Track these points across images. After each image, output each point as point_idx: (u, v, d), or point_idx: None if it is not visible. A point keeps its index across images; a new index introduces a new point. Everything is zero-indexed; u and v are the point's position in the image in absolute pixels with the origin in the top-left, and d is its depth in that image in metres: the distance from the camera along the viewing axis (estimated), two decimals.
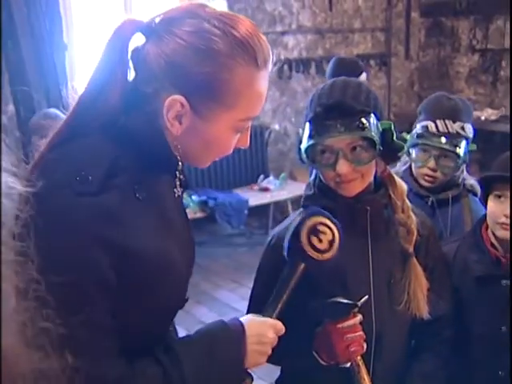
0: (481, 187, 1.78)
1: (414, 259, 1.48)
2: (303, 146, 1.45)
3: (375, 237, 1.48)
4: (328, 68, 3.64)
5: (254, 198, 5.20)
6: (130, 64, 1.11)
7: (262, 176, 5.57)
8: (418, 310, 1.46)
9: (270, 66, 1.13)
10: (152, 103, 1.08)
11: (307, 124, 1.45)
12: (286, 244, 1.30)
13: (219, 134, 1.12)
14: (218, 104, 1.08)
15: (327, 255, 1.27)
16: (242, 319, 1.21)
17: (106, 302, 1.01)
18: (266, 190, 5.37)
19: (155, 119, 1.08)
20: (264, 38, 1.11)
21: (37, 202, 1.01)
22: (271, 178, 5.55)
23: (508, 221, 1.59)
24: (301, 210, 1.53)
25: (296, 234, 1.28)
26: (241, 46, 1.06)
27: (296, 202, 5.62)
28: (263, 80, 1.11)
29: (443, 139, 1.96)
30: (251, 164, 5.60)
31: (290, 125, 5.96)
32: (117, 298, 1.03)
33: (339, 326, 1.35)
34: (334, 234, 1.29)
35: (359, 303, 1.35)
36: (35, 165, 1.08)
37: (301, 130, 1.49)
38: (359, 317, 1.37)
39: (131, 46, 1.10)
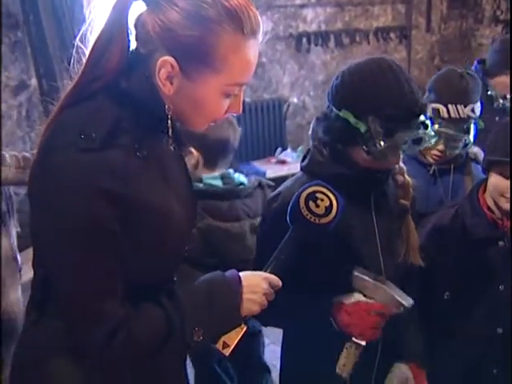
0: (483, 166, 1.81)
1: (410, 214, 1.58)
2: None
3: (376, 198, 1.61)
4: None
5: (272, 171, 5.28)
6: (133, 30, 1.19)
7: (279, 149, 5.64)
8: (414, 259, 1.59)
9: (260, 37, 1.19)
10: (148, 64, 1.17)
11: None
12: (288, 210, 1.39)
13: (207, 97, 1.19)
14: (205, 67, 1.15)
15: (324, 220, 1.35)
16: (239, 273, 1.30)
17: (111, 249, 1.12)
18: (283, 162, 5.44)
19: (151, 80, 1.17)
20: (254, 9, 1.17)
21: (42, 160, 1.13)
22: (289, 150, 5.61)
23: None
24: (300, 175, 1.62)
25: (296, 198, 1.37)
26: (228, 13, 1.13)
27: None
28: (250, 49, 1.18)
29: (454, 125, 1.99)
30: (269, 137, 5.67)
31: (308, 98, 6.00)
32: (121, 246, 1.13)
33: (376, 308, 1.47)
34: (331, 202, 1.37)
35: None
36: (47, 126, 1.19)
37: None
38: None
39: (134, 14, 1.20)
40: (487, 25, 6.53)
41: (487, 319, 1.72)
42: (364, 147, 1.48)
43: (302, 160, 1.65)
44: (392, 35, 6.45)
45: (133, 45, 1.21)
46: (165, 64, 1.14)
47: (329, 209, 1.36)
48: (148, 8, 1.17)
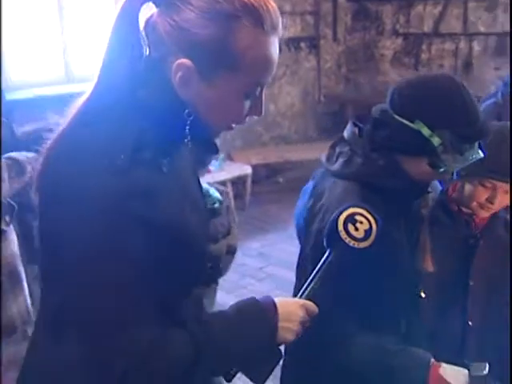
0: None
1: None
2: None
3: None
4: None
5: None
6: (144, 35, 1.11)
7: None
8: (427, 265, 1.65)
9: (280, 32, 1.12)
10: (163, 69, 1.09)
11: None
12: (325, 232, 1.34)
13: (226, 98, 1.12)
14: (223, 66, 1.08)
15: (363, 244, 1.29)
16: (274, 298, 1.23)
17: (144, 275, 1.06)
18: (207, 171, 5.44)
19: (169, 85, 1.09)
20: (273, 3, 1.10)
21: (70, 185, 1.05)
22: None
23: (492, 206, 1.73)
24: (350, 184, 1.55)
25: (334, 221, 1.32)
26: (246, 8, 1.06)
27: (235, 182, 5.75)
28: (271, 45, 1.10)
29: None
30: None
31: None
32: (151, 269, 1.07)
33: None
34: (371, 225, 1.30)
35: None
36: (55, 142, 1.11)
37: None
38: None
39: (143, 17, 1.12)
40: (388, 37, 6.92)
41: (456, 311, 1.80)
42: (430, 161, 1.49)
43: (344, 165, 1.56)
44: (302, 45, 6.66)
45: (145, 50, 1.12)
46: (180, 67, 1.07)
47: (368, 232, 1.30)
48: (159, 9, 1.09)
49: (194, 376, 1.10)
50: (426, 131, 1.46)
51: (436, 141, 1.45)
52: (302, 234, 1.66)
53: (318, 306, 1.26)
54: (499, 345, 1.73)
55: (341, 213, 1.32)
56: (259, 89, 1.15)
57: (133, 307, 1.05)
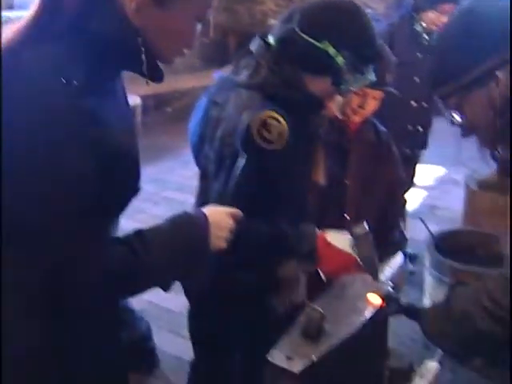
0: None
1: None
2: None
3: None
4: None
5: None
6: None
7: None
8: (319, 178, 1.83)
9: None
10: None
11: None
12: (238, 137, 1.41)
13: (180, 23, 1.16)
14: None
15: (277, 145, 1.39)
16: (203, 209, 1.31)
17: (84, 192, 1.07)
18: None
19: (122, 13, 1.11)
20: None
21: (17, 101, 1.03)
22: None
23: (363, 111, 2.00)
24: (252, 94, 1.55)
25: (247, 125, 1.38)
26: None
27: None
28: None
29: None
30: None
31: None
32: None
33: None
34: (283, 127, 1.40)
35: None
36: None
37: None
38: None
39: None
40: None
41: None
42: (333, 79, 1.57)
43: (250, 77, 1.57)
44: None
45: None
46: None
47: (281, 134, 1.39)
48: None
49: (136, 286, 1.19)
50: (332, 51, 1.53)
51: (340, 60, 1.54)
52: (198, 151, 1.72)
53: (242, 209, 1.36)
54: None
55: (254, 117, 1.40)
56: (209, 11, 1.20)
57: (71, 220, 1.06)
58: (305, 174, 1.68)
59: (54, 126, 1.02)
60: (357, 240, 1.58)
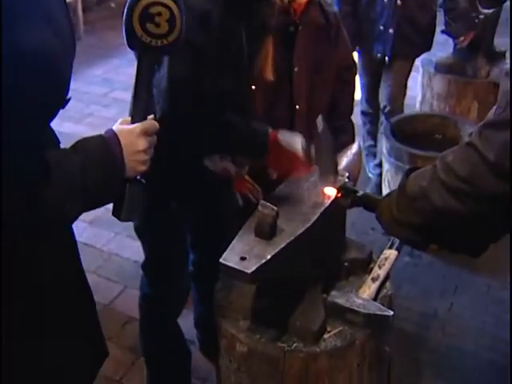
0: None
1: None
2: None
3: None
4: None
5: None
6: None
7: None
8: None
9: None
10: None
11: None
12: (124, 33, 1.12)
13: None
14: None
15: (172, 37, 1.09)
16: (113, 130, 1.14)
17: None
18: None
19: None
20: None
21: None
22: None
23: None
24: None
25: (127, 21, 1.08)
26: None
27: None
28: None
29: None
30: None
31: None
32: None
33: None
34: (172, 11, 1.07)
35: None
36: None
37: None
38: None
39: None
40: None
41: None
42: None
43: None
44: None
45: None
46: None
47: (172, 21, 1.07)
48: None
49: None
50: None
51: None
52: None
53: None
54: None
55: (131, 9, 1.06)
56: None
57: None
58: (245, 68, 1.57)
59: None
60: (315, 138, 1.49)
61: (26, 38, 0.97)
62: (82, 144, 1.09)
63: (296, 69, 1.86)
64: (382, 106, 3.07)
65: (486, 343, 2.29)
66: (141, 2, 1.05)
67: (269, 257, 1.21)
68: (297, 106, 1.90)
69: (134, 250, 2.72)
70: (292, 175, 1.51)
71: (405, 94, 3.15)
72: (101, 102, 4.57)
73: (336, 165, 1.44)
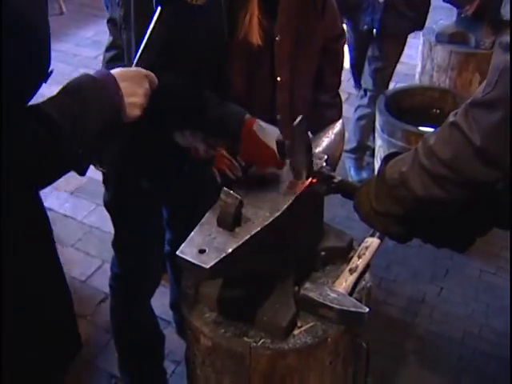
0: None
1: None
2: None
3: None
4: None
5: None
6: None
7: None
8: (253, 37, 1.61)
9: None
10: None
11: None
12: None
13: None
14: None
15: (199, 1, 1.23)
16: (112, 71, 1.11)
17: None
18: None
19: None
20: None
21: None
22: None
23: None
24: None
25: None
26: None
27: None
28: None
29: None
30: None
31: None
32: None
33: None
34: None
35: None
36: None
37: None
38: None
39: None
40: None
41: None
42: None
43: None
44: None
45: None
46: None
47: None
48: None
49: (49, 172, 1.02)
50: None
51: None
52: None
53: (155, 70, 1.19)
54: (306, 98, 1.89)
55: None
56: None
57: None
58: (224, 32, 1.47)
59: None
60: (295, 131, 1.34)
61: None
62: (75, 87, 1.02)
63: (278, 38, 1.70)
64: (362, 88, 2.92)
65: (474, 331, 2.20)
66: None
67: (230, 250, 1.09)
68: (278, 78, 1.75)
69: None
70: (261, 167, 1.38)
71: (390, 78, 2.99)
72: (90, 65, 4.38)
73: (310, 163, 1.30)
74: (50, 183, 1.04)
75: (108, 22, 1.56)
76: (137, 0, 1.34)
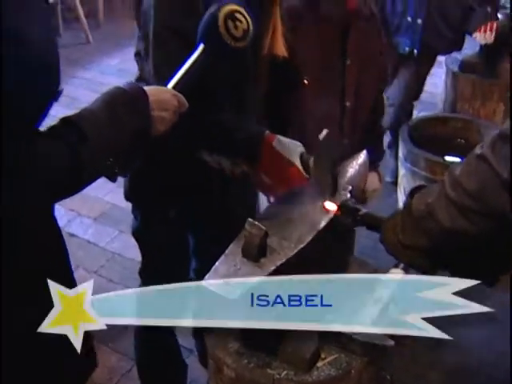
0: None
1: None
2: None
3: None
4: None
5: None
6: None
7: None
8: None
9: None
10: None
11: None
12: (201, 25, 1.28)
13: None
14: None
15: (239, 44, 1.28)
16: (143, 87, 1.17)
17: None
18: None
19: None
20: None
21: None
22: None
23: None
24: None
25: (213, 15, 1.26)
26: None
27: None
28: None
29: None
30: None
31: None
32: None
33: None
34: (248, 25, 1.28)
35: None
36: None
37: None
38: None
39: None
40: None
41: None
42: None
43: None
44: None
45: None
46: None
47: (246, 33, 1.28)
48: None
49: (81, 179, 1.05)
50: None
51: None
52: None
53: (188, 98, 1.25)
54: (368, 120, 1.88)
55: (220, 8, 1.27)
56: None
57: None
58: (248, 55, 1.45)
59: None
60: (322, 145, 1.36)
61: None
62: (105, 97, 1.08)
63: (348, 62, 1.75)
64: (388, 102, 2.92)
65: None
66: (232, 5, 1.27)
67: (254, 281, 1.10)
68: (347, 103, 1.79)
69: (138, 250, 2.64)
70: (285, 184, 1.39)
71: (419, 94, 3.00)
72: None
73: (336, 179, 1.31)
74: (74, 193, 1.07)
75: (135, 55, 1.59)
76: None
